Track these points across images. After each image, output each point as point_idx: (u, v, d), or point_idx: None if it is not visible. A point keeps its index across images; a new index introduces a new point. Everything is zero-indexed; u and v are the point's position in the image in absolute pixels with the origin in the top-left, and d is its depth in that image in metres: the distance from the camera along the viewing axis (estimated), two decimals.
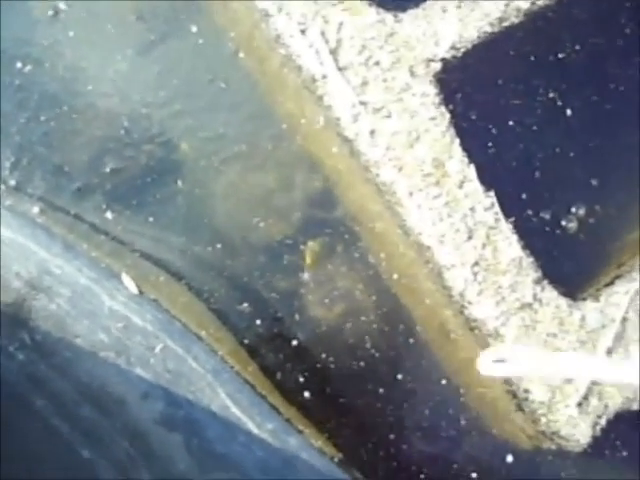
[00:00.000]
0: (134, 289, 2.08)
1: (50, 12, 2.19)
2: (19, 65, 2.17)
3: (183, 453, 1.88)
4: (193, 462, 1.88)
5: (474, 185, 2.13)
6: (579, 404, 2.07)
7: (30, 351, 1.87)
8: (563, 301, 2.11)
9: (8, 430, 1.72)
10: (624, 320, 2.12)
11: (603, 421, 2.08)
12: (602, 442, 2.07)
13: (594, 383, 2.08)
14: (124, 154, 2.15)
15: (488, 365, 2.04)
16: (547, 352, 2.06)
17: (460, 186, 2.12)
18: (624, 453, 2.08)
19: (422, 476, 2.06)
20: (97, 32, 2.21)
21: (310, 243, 2.14)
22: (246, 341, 2.09)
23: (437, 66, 2.19)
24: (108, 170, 2.14)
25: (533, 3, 2.26)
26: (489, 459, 2.08)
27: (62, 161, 2.14)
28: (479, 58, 2.22)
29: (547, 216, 2.18)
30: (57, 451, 1.74)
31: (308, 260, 2.12)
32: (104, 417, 1.84)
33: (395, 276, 2.13)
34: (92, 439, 1.79)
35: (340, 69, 2.16)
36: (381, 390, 2.08)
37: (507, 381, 2.09)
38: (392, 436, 2.07)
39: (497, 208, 2.12)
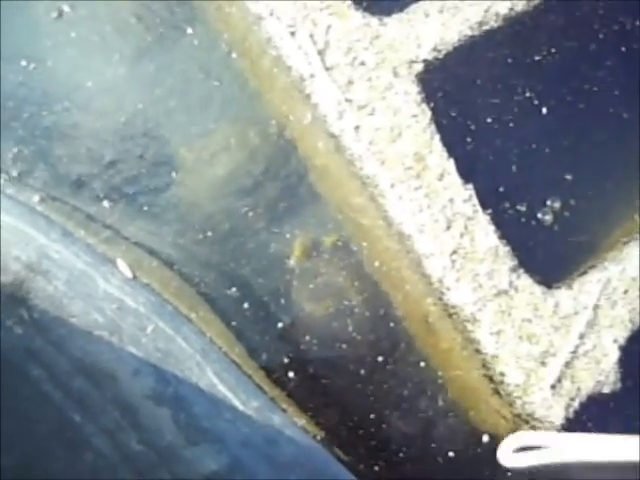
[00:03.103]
0: (128, 274, 2.18)
1: (54, 14, 2.32)
2: (24, 63, 2.29)
3: (171, 426, 1.96)
4: (180, 435, 1.96)
5: (453, 178, 2.23)
6: (552, 387, 2.15)
7: (28, 326, 1.97)
8: (538, 288, 2.20)
9: (3, 392, 1.82)
10: (596, 307, 2.21)
11: (576, 403, 2.16)
12: (574, 423, 2.15)
13: (567, 367, 2.16)
14: (121, 147, 2.26)
15: (509, 454, 2.07)
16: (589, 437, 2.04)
17: (440, 179, 2.23)
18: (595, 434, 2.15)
19: (401, 454, 2.14)
20: (98, 33, 2.33)
21: (296, 232, 2.24)
22: (233, 323, 2.18)
23: (419, 67, 2.31)
24: (105, 162, 2.25)
25: (511, 9, 2.39)
26: (466, 440, 2.16)
27: (62, 153, 2.26)
28: (459, 59, 2.34)
29: (523, 208, 2.28)
30: (48, 413, 1.83)
31: (294, 248, 2.22)
32: (96, 389, 1.93)
33: (376, 264, 2.23)
34: (83, 407, 1.88)
35: (327, 69, 2.27)
36: (362, 371, 2.17)
37: (484, 365, 2.18)
38: (372, 416, 2.15)
39: (475, 200, 2.22)
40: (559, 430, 2.14)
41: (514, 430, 2.16)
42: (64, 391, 1.88)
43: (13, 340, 1.92)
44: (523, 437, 2.09)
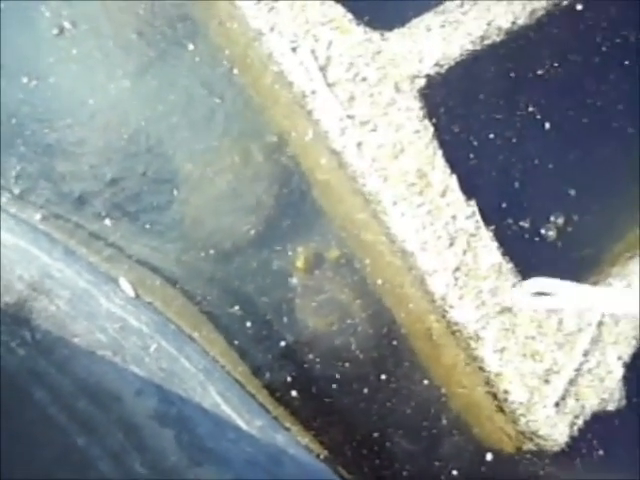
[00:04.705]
0: (131, 292, 2.18)
1: (55, 31, 2.32)
2: (25, 80, 2.29)
3: (174, 447, 1.97)
4: (184, 456, 1.96)
5: (456, 194, 2.22)
6: (557, 404, 2.14)
7: (31, 348, 1.97)
8: None
9: (7, 416, 1.82)
10: (600, 324, 2.20)
11: (580, 421, 2.15)
12: (579, 441, 2.14)
13: (571, 384, 2.15)
14: (123, 164, 2.27)
15: (524, 297, 2.14)
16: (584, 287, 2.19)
17: (442, 195, 2.22)
18: (600, 452, 2.15)
19: (405, 473, 2.14)
20: (100, 49, 2.33)
21: (299, 250, 2.23)
22: (236, 342, 2.18)
23: (421, 82, 2.30)
24: (108, 179, 2.25)
25: (513, 23, 2.37)
26: (470, 457, 2.15)
27: (64, 171, 2.26)
28: (462, 74, 2.33)
29: (526, 224, 2.28)
30: (53, 437, 1.84)
31: (297, 266, 2.22)
32: (100, 410, 1.94)
33: (379, 281, 2.23)
34: (87, 429, 1.89)
35: (329, 85, 2.26)
36: (365, 390, 2.16)
37: (488, 382, 2.17)
38: (376, 434, 2.15)
39: (478, 216, 2.21)
40: (563, 448, 2.13)
41: (518, 448, 2.16)
42: (68, 413, 1.89)
43: (16, 362, 1.92)
44: (539, 282, 2.15)
